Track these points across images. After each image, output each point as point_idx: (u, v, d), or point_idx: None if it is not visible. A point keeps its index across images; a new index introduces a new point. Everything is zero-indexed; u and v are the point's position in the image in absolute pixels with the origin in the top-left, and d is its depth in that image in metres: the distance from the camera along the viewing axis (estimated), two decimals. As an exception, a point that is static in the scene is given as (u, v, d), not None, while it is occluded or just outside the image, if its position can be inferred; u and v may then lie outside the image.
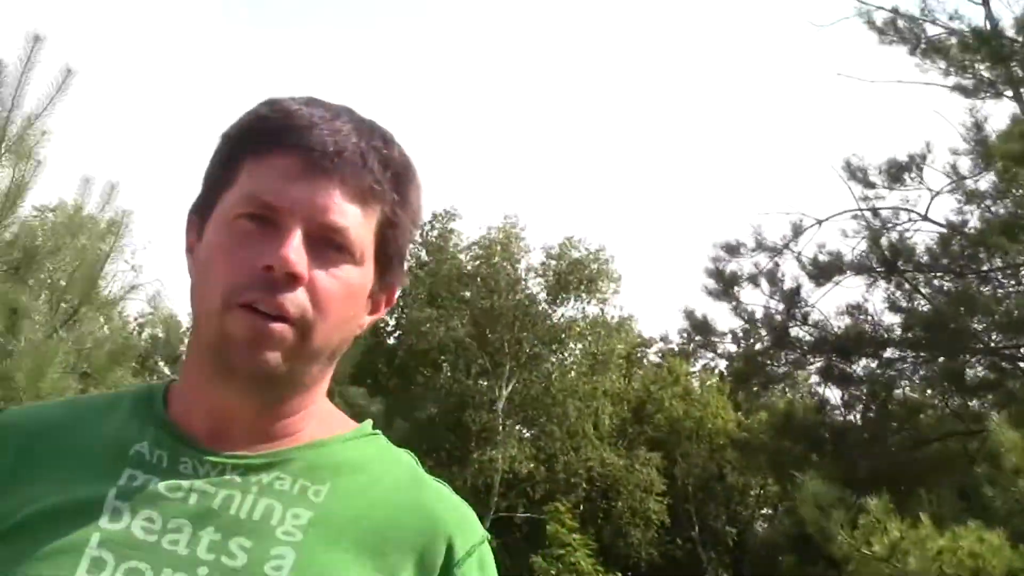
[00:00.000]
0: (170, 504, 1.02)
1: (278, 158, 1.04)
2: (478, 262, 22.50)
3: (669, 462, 22.10)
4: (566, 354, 22.98)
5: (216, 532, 1.00)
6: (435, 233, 23.45)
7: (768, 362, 13.58)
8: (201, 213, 1.09)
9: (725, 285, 13.43)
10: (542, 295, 22.42)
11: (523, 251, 22.51)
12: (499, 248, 22.22)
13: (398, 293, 1.16)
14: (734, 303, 13.41)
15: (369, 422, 1.20)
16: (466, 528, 1.11)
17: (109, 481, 1.03)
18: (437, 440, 20.79)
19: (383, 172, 1.07)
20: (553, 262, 22.37)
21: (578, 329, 22.46)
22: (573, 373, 22.56)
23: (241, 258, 1.01)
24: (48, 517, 1.00)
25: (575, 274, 22.14)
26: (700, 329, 13.91)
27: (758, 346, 13.61)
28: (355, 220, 1.04)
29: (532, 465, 21.40)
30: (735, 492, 22.62)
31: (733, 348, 14.36)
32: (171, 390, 1.14)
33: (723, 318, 17.43)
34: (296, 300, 1.01)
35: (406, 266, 1.16)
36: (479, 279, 22.16)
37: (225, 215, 1.04)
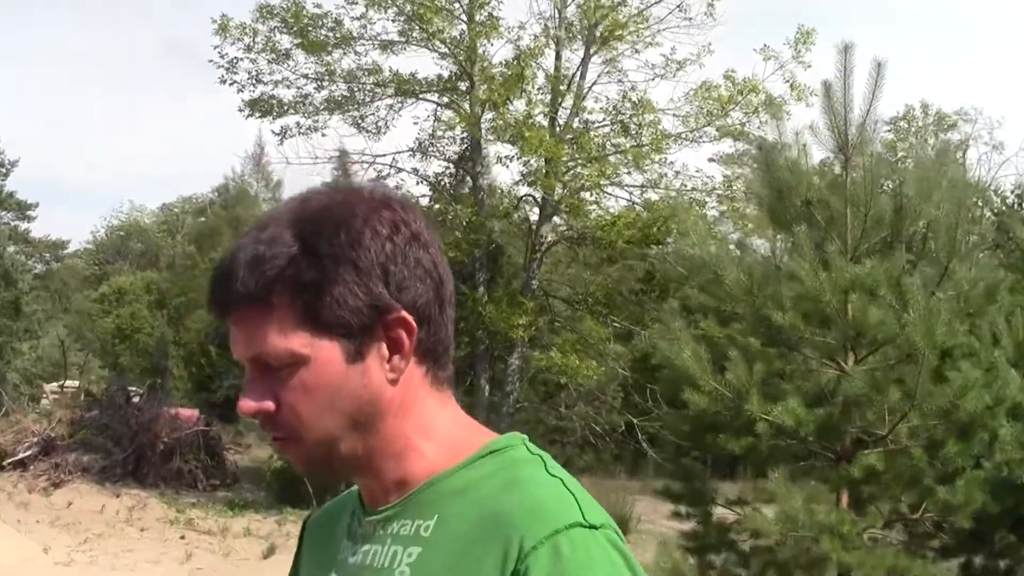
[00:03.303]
0: (348, 567, 1.22)
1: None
2: None
3: None
4: None
5: None
6: None
7: None
8: None
9: None
10: None
11: None
12: None
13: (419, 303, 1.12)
14: None
15: (507, 436, 1.20)
16: (538, 519, 1.07)
17: (334, 557, 1.25)
18: None
19: (271, 271, 1.09)
20: None
21: None
22: None
23: None
24: None
25: None
26: None
27: None
28: (264, 338, 1.10)
29: None
30: None
31: None
32: None
33: None
34: (279, 424, 1.14)
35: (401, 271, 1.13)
36: None
37: None
